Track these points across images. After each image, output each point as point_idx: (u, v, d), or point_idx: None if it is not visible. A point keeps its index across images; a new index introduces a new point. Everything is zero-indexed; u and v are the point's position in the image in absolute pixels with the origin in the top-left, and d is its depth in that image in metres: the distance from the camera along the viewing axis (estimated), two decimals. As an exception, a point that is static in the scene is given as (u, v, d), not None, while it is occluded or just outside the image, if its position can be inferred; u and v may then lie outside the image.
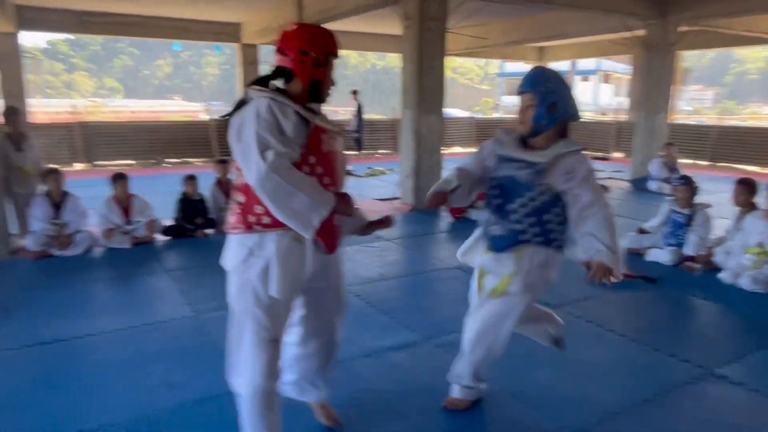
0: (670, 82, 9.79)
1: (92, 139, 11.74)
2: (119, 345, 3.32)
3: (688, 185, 5.15)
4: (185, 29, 12.66)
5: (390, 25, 13.62)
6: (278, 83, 2.04)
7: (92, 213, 5.51)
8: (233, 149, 1.92)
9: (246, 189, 1.96)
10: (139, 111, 35.76)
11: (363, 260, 5.16)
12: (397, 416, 2.60)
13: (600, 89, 40.85)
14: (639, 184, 9.66)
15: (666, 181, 9.29)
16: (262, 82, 2.02)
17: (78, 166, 11.57)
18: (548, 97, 2.27)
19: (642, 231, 5.54)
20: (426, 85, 7.15)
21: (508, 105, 45.08)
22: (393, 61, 47.41)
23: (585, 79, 40.45)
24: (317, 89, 2.03)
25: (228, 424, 2.41)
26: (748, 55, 49.65)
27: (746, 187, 4.86)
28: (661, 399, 2.77)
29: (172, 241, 5.77)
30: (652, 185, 9.29)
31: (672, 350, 3.31)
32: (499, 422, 2.56)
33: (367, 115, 15.23)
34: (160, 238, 5.78)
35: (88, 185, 8.22)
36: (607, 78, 41.59)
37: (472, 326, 2.51)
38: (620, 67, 37.61)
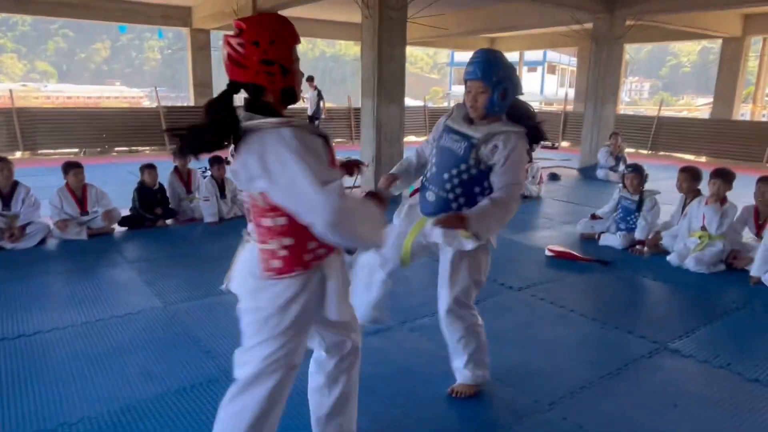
0: (618, 73, 10.25)
1: (31, 127, 11.13)
2: (90, 338, 3.24)
3: (638, 173, 5.45)
4: (132, 12, 12.17)
5: (344, 12, 13.57)
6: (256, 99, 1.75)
7: (44, 204, 5.29)
8: (267, 190, 1.66)
9: (291, 230, 1.72)
10: (76, 97, 33.99)
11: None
12: (380, 396, 2.68)
13: (546, 80, 42.03)
14: (587, 173, 10.10)
15: (612, 169, 9.77)
16: (225, 105, 1.70)
17: (18, 155, 10.97)
18: (500, 85, 2.33)
19: (594, 216, 5.82)
20: (386, 75, 7.20)
21: (459, 94, 45.75)
22: (343, 48, 47.11)
23: (532, 70, 41.55)
24: (291, 94, 1.78)
25: (209, 413, 2.42)
26: (682, 49, 52.21)
27: (690, 175, 5.20)
28: (622, 372, 2.98)
29: (131, 231, 5.62)
30: (600, 173, 9.74)
31: (629, 328, 3.55)
32: (475, 399, 2.68)
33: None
34: (118, 228, 5.62)
35: (31, 175, 7.85)
36: (552, 69, 42.84)
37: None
38: (565, 59, 38.84)
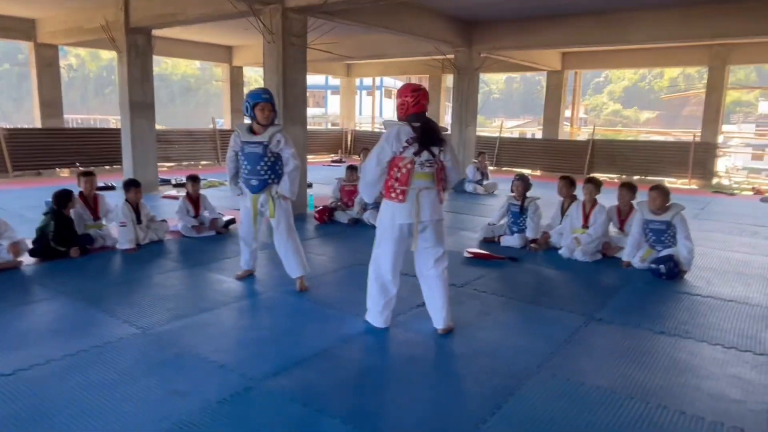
0: (476, 99, 11.69)
1: None
2: (83, 369, 3.09)
3: (523, 180, 6.49)
4: (-36, 22, 10.67)
5: (215, 34, 13.38)
6: None
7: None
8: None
9: None
10: None
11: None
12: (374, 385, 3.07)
13: (384, 103, 44.51)
14: (457, 187, 11.32)
15: (478, 183, 11.11)
16: None
17: None
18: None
19: (492, 224, 6.74)
20: (291, 98, 7.49)
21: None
22: (170, 68, 44.57)
23: (370, 94, 44.05)
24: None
25: (263, 413, 2.62)
26: (491, 78, 59.07)
27: (568, 182, 6.35)
28: (574, 338, 3.72)
29: (42, 263, 5.14)
30: (468, 187, 10.99)
31: (560, 306, 4.36)
32: (477, 368, 3.19)
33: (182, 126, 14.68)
34: (26, 261, 5.10)
35: None
36: (389, 94, 45.74)
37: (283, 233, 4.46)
38: (400, 85, 41.95)
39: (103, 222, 5.93)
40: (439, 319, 3.69)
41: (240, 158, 4.35)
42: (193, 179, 6.61)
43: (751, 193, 12.13)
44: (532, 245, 6.25)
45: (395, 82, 42.35)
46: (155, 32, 9.67)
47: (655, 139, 18.84)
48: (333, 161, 17.29)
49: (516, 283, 5.08)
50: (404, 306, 4.12)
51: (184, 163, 14.70)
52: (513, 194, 6.49)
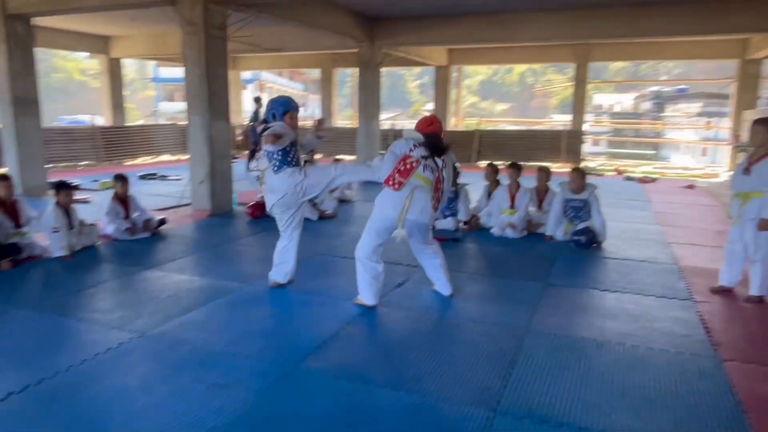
0: (379, 93, 12.11)
1: None
2: (99, 378, 2.95)
3: (454, 169, 7.02)
4: None
5: (94, 24, 12.28)
6: None
7: None
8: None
9: None
10: None
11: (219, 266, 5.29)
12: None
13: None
14: (366, 178, 11.71)
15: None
16: None
17: None
18: None
19: (425, 208, 7.19)
20: (214, 91, 7.29)
21: (169, 111, 43.56)
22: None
23: (244, 88, 42.75)
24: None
25: (317, 392, 2.78)
26: (356, 73, 59.87)
27: (494, 169, 7.01)
28: (541, 302, 4.25)
29: (-32, 278, 4.59)
30: (379, 177, 11.42)
31: (517, 276, 4.92)
32: (484, 330, 3.59)
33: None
34: (-51, 277, 4.53)
35: None
36: (262, 87, 44.74)
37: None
38: (279, 80, 41.20)
39: (25, 229, 5.38)
40: (446, 287, 4.28)
41: (290, 150, 4.28)
42: (122, 179, 6.21)
43: (614, 173, 14.00)
44: (464, 227, 6.81)
45: (274, 78, 41.61)
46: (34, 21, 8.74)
47: (534, 128, 20.79)
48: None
49: (469, 260, 5.57)
50: (385, 288, 4.38)
51: (62, 164, 13.35)
52: (444, 181, 6.98)
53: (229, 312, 4.00)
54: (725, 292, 4.51)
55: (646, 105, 40.63)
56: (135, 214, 6.30)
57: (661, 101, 46.48)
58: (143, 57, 17.02)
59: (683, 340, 3.56)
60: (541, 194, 6.89)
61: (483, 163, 15.27)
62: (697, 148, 30.65)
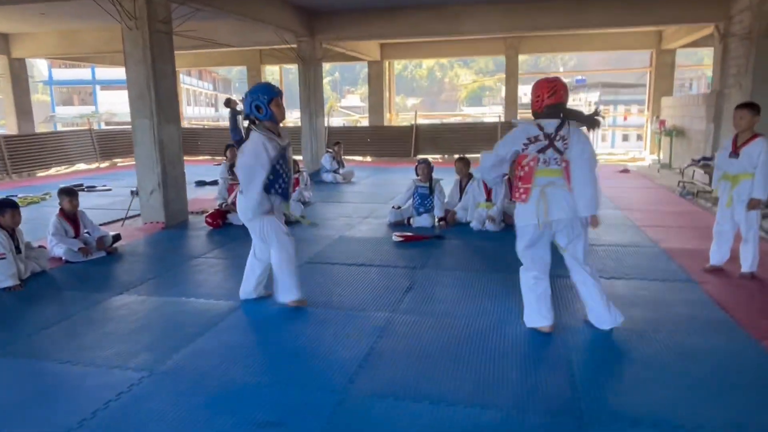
0: (322, 89, 11.72)
1: None
2: (127, 429, 2.50)
3: (427, 164, 6.88)
4: None
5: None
6: None
7: None
8: None
9: None
10: None
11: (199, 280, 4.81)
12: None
13: None
14: (314, 177, 11.28)
15: (336, 172, 11.23)
16: None
17: None
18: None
19: (397, 207, 7.00)
20: (163, 92, 6.64)
21: (66, 117, 40.15)
22: None
23: (116, 88, 40.30)
24: None
25: (378, 418, 2.53)
26: (273, 70, 58.65)
27: (465, 163, 6.93)
28: (557, 293, 4.20)
29: None
30: (327, 176, 11.05)
31: (505, 270, 4.82)
32: (501, 348, 3.46)
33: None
34: None
35: None
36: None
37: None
38: (187, 79, 39.19)
39: (-42, 259, 4.59)
40: (604, 319, 3.48)
41: (277, 168, 3.65)
42: (69, 193, 5.49)
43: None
44: (441, 223, 6.69)
45: (182, 77, 39.40)
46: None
47: (469, 121, 21.10)
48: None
49: (465, 257, 5.44)
50: (395, 294, 4.15)
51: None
52: (418, 177, 6.82)
53: (241, 336, 3.59)
54: (717, 271, 4.69)
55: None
56: (85, 232, 5.60)
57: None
58: (51, 57, 15.48)
59: (711, 324, 3.61)
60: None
61: (421, 157, 15.36)
62: (598, 133, 33.05)
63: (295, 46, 11.17)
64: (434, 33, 11.34)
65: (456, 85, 60.52)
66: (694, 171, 9.85)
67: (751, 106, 4.37)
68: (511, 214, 6.46)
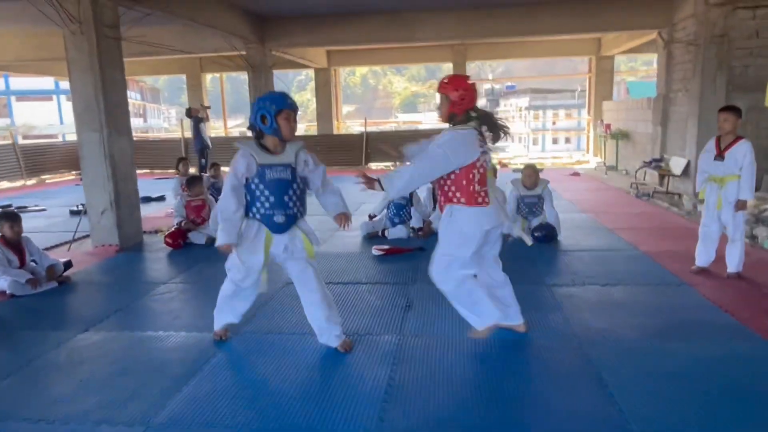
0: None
1: None
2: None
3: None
4: None
5: None
6: None
7: None
8: None
9: None
10: None
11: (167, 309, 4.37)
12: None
13: (66, 108, 37.89)
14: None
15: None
16: None
17: None
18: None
19: (371, 217, 6.75)
20: (112, 102, 6.07)
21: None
22: None
23: (49, 99, 37.78)
24: None
25: None
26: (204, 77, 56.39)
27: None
28: (561, 305, 4.10)
29: None
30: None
31: (515, 280, 4.70)
32: (526, 368, 3.30)
33: None
34: None
35: None
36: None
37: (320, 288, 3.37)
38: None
39: None
40: (517, 315, 3.55)
41: (254, 189, 3.16)
42: (11, 217, 4.87)
43: (500, 166, 14.70)
44: (419, 232, 6.50)
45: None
46: None
47: (419, 128, 21.11)
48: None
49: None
50: (395, 313, 3.90)
51: None
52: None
53: (239, 374, 3.22)
54: (704, 272, 4.75)
55: (482, 101, 44.27)
56: (31, 260, 4.99)
57: (495, 98, 51.01)
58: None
59: (720, 329, 3.60)
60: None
61: (375, 167, 15.15)
62: (527, 137, 34.18)
63: (244, 53, 10.68)
64: (388, 40, 11.20)
65: (390, 92, 61.02)
66: (645, 172, 10.23)
67: (734, 110, 4.46)
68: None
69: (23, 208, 9.62)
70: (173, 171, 8.86)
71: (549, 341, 3.46)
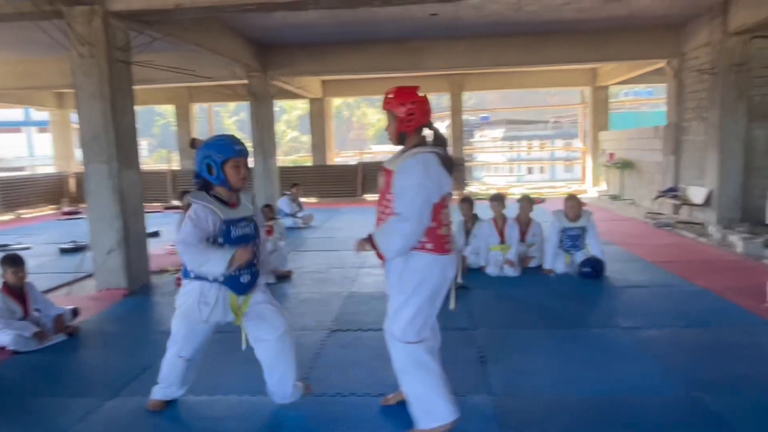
0: (273, 128, 10.84)
1: None
2: None
3: (470, 203, 6.35)
4: None
5: None
6: None
7: None
8: None
9: None
10: None
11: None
12: None
13: (36, 140, 36.66)
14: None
15: (293, 215, 10.31)
16: None
17: None
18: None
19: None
20: (122, 131, 5.55)
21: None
22: None
23: (18, 131, 36.60)
24: None
25: None
26: (167, 109, 54.09)
27: (470, 203, 6.40)
28: (640, 350, 3.70)
29: None
30: (287, 221, 10.08)
31: (579, 324, 4.30)
32: (567, 406, 2.88)
33: None
34: None
35: None
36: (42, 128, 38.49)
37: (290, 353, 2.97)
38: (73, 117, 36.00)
39: None
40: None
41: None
42: (14, 261, 4.26)
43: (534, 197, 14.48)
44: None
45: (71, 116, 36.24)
46: None
47: None
48: (65, 213, 13.70)
49: (507, 310, 4.83)
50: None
51: None
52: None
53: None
54: (780, 308, 4.44)
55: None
56: (34, 310, 4.37)
57: (469, 128, 51.62)
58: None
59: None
60: (524, 225, 6.43)
61: (370, 198, 14.75)
62: (503, 168, 34.20)
63: (246, 81, 10.28)
64: (394, 69, 10.94)
65: (364, 123, 61.14)
66: (662, 202, 10.06)
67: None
68: (527, 256, 6.12)
69: (5, 247, 8.86)
70: (164, 205, 8.26)
71: (669, 398, 3.03)
